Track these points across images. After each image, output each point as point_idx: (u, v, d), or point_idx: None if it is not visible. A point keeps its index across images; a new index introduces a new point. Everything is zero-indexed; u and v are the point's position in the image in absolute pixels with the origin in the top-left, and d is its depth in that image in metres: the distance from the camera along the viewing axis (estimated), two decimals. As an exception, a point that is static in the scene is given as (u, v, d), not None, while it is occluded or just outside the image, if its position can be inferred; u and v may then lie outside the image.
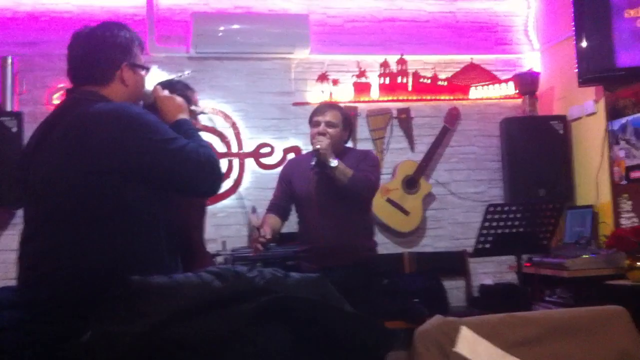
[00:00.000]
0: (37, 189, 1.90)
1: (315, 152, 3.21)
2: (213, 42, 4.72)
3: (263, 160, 4.87)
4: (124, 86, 2.00)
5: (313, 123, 3.33)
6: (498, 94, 5.18)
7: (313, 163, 3.25)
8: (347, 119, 3.43)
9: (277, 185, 3.54)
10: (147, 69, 2.11)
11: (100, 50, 1.98)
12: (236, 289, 1.77)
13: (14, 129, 4.16)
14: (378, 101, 5.02)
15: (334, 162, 3.16)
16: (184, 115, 2.10)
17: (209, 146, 1.99)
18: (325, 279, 1.91)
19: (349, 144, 3.69)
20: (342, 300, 1.91)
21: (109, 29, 2.02)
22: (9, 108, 4.20)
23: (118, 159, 1.81)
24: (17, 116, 4.21)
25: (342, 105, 3.56)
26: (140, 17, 4.73)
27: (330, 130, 3.26)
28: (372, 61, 5.05)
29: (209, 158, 1.93)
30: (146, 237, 1.89)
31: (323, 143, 3.18)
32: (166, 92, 2.17)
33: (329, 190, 3.23)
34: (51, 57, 4.60)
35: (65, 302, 1.78)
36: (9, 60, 4.29)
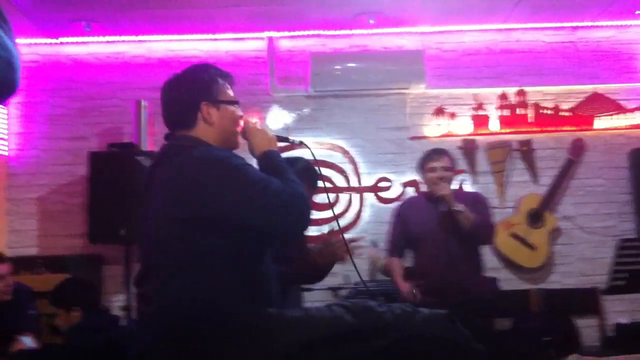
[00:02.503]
0: (144, 230, 1.95)
1: (440, 198, 3.34)
2: (330, 81, 4.85)
3: (382, 194, 4.90)
4: (209, 125, 1.98)
5: (428, 169, 3.46)
6: (625, 123, 4.94)
7: (442, 209, 3.37)
8: (455, 162, 3.62)
9: (393, 227, 3.66)
10: (234, 103, 2.06)
11: (177, 96, 2.00)
12: (366, 324, 1.80)
13: (150, 168, 4.42)
14: (497, 133, 4.93)
15: (459, 207, 3.29)
16: (273, 147, 2.04)
17: (296, 182, 1.90)
18: (453, 315, 1.89)
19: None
20: (470, 338, 1.88)
21: (186, 73, 2.04)
22: (144, 148, 4.49)
23: (200, 206, 1.80)
24: (152, 155, 4.48)
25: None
26: (262, 59, 4.96)
27: (447, 174, 3.44)
28: (489, 94, 4.99)
29: (293, 198, 1.83)
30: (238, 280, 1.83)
31: (446, 189, 3.35)
32: (257, 123, 2.14)
33: (448, 229, 3.34)
34: (181, 99, 4.90)
35: (169, 339, 1.81)
36: (143, 104, 4.59)
